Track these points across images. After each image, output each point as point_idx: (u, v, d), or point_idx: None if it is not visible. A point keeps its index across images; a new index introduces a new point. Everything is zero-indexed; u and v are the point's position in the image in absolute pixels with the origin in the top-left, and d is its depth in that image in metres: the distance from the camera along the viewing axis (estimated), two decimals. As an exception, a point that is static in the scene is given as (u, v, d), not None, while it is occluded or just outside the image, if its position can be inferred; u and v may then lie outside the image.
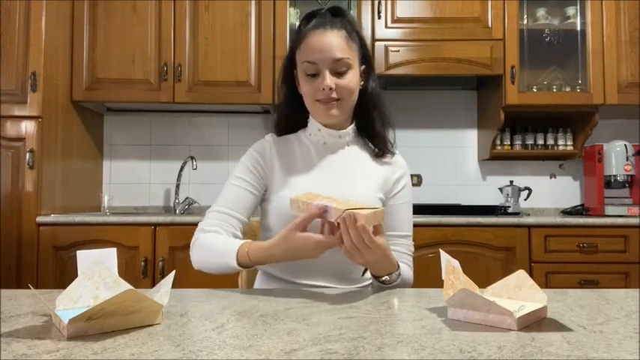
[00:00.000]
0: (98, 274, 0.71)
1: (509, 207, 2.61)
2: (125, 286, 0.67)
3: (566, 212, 2.75)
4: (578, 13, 2.64)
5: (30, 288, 0.81)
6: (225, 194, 1.16)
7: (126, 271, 2.18)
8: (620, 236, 2.24)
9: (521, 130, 2.76)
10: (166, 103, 2.52)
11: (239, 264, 1.02)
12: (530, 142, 2.74)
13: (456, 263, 0.80)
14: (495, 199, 2.79)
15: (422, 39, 2.53)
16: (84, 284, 0.72)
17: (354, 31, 1.15)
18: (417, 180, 2.88)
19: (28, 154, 2.20)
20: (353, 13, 2.59)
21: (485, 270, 2.22)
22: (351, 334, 0.65)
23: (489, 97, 2.74)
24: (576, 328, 0.68)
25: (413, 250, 1.20)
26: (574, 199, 2.88)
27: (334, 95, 1.11)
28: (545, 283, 2.22)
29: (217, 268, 1.07)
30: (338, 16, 1.15)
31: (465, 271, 0.77)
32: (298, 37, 1.15)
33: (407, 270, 1.13)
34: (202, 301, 0.85)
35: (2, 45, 2.22)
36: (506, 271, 0.97)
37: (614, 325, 0.70)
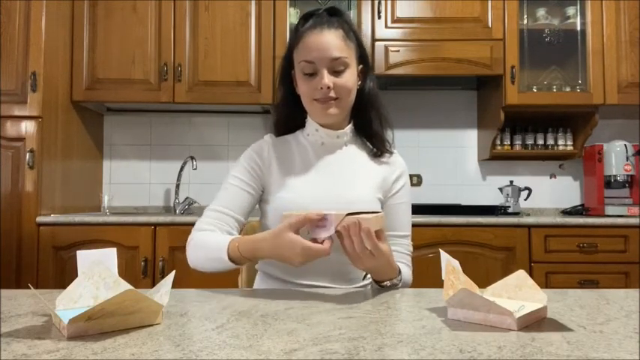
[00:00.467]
0: (98, 274, 0.71)
1: (509, 207, 2.61)
2: (125, 286, 0.67)
3: (566, 212, 2.75)
4: (578, 13, 2.64)
5: (30, 288, 0.81)
6: (223, 194, 1.16)
7: (126, 271, 2.18)
8: (620, 236, 2.24)
9: (521, 130, 2.76)
10: (166, 103, 2.52)
11: (230, 258, 1.01)
12: (530, 142, 2.74)
13: (456, 263, 0.80)
14: (495, 199, 2.79)
15: (422, 39, 2.53)
16: (84, 284, 0.72)
17: (351, 31, 1.15)
18: (417, 180, 2.88)
19: (28, 154, 2.20)
20: (353, 13, 2.60)
21: (485, 270, 2.22)
22: (351, 334, 0.65)
23: (489, 97, 2.74)
24: (576, 328, 0.68)
25: (412, 249, 1.21)
26: (574, 199, 2.88)
27: (332, 94, 1.11)
28: (545, 283, 2.22)
29: (211, 265, 1.06)
30: (335, 16, 1.15)
31: (465, 271, 0.77)
32: (296, 37, 1.15)
33: (406, 270, 1.14)
34: (202, 301, 0.85)
35: (2, 45, 2.22)
36: (506, 271, 0.97)
37: (614, 325, 0.70)
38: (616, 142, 2.60)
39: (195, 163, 2.71)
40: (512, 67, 2.51)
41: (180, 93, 2.50)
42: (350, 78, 1.12)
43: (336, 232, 0.88)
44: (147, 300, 0.67)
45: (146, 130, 2.88)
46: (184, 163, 2.77)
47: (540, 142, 2.74)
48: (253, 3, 2.53)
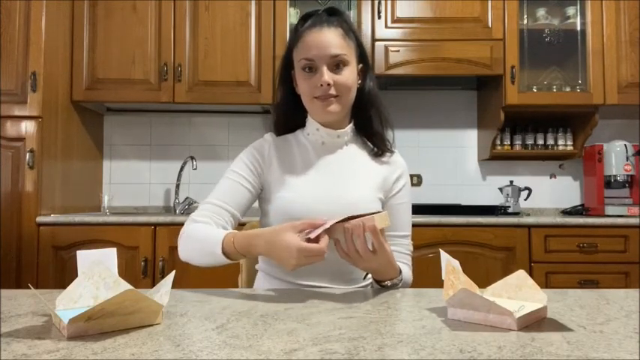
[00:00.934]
0: (98, 274, 0.71)
1: (509, 207, 2.61)
2: (125, 286, 0.67)
3: (566, 212, 2.75)
4: (578, 13, 2.64)
5: (30, 288, 0.81)
6: (220, 188, 1.16)
7: (126, 271, 2.18)
8: (620, 236, 2.24)
9: (521, 130, 2.76)
10: (166, 103, 2.52)
11: (224, 252, 1.00)
12: (530, 142, 2.74)
13: (456, 263, 0.80)
14: (495, 199, 2.79)
15: (422, 39, 2.53)
16: (84, 284, 0.72)
17: (350, 30, 1.15)
18: (417, 180, 2.88)
19: (28, 154, 2.20)
20: (353, 13, 2.60)
21: (485, 270, 2.22)
22: (351, 334, 0.65)
23: (489, 97, 2.74)
24: (576, 328, 0.68)
25: (412, 249, 1.21)
26: (574, 199, 2.88)
27: (332, 91, 1.10)
28: (545, 283, 2.22)
29: (203, 259, 1.05)
30: (334, 16, 1.16)
31: (465, 271, 0.77)
32: (295, 36, 1.15)
33: (407, 270, 1.14)
34: (202, 301, 0.85)
35: (2, 45, 2.22)
36: (506, 271, 0.97)
37: (614, 325, 0.70)
38: (616, 142, 2.60)
39: (195, 163, 2.71)
40: (512, 67, 2.51)
41: (180, 93, 2.50)
42: (350, 76, 1.12)
43: (335, 239, 0.89)
44: (147, 300, 0.67)
45: (146, 130, 2.88)
46: (184, 163, 2.77)
47: (540, 142, 2.74)
48: (253, 3, 2.53)
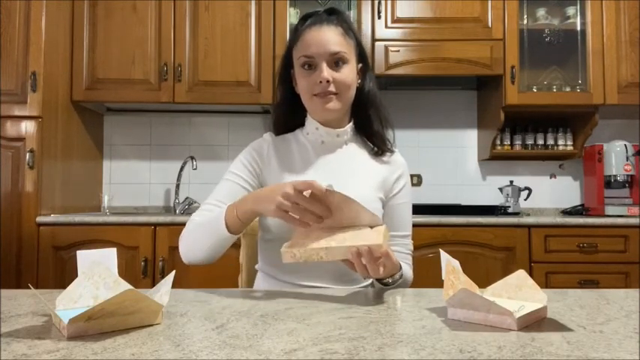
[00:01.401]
0: (98, 274, 0.71)
1: (509, 207, 2.61)
2: (125, 286, 0.67)
3: (566, 212, 2.75)
4: (578, 13, 2.64)
5: (30, 288, 0.81)
6: (220, 189, 1.16)
7: (126, 271, 2.18)
8: (620, 236, 2.24)
9: (521, 130, 2.76)
10: (166, 103, 2.52)
11: (227, 225, 1.00)
12: (530, 142, 2.74)
13: (456, 263, 0.80)
14: (495, 199, 2.79)
15: (422, 39, 2.53)
16: (84, 284, 0.72)
17: (350, 29, 1.16)
18: (417, 180, 2.88)
19: (28, 154, 2.20)
20: (353, 13, 2.60)
21: (485, 270, 2.22)
22: (351, 334, 0.65)
23: (489, 97, 2.74)
24: (576, 328, 0.68)
25: (412, 248, 1.21)
26: (574, 199, 2.88)
27: (331, 89, 1.11)
28: (545, 283, 2.22)
29: (206, 242, 1.05)
30: (334, 15, 1.16)
31: (465, 271, 0.77)
32: (295, 35, 1.16)
33: (407, 269, 1.14)
34: (202, 301, 0.85)
35: (2, 45, 2.22)
36: (506, 271, 0.97)
37: (614, 325, 0.70)
38: (616, 142, 2.60)
39: (195, 163, 2.71)
40: (512, 67, 2.51)
41: (180, 93, 2.50)
42: (349, 74, 1.13)
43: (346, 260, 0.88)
44: (147, 300, 0.67)
45: (146, 130, 2.88)
46: (184, 163, 2.77)
47: (540, 142, 2.74)
48: (253, 3, 2.53)
